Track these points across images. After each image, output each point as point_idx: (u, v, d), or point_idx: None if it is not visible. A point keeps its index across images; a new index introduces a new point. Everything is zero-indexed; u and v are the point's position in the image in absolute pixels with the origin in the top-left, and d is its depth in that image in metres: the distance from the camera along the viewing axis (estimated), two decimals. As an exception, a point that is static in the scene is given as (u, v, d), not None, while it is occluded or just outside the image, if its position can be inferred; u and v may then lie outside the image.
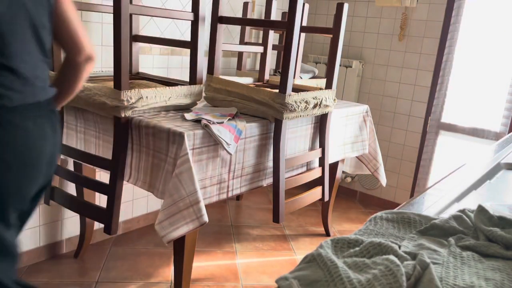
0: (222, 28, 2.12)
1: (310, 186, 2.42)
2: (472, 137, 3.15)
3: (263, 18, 3.33)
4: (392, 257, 0.70)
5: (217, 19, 2.09)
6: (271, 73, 3.16)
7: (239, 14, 3.19)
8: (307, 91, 2.21)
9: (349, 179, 3.75)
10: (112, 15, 1.68)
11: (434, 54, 3.23)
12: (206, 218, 1.69)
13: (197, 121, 1.85)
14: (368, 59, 3.57)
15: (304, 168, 2.40)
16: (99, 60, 2.42)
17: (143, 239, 2.76)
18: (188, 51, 2.89)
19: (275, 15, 2.70)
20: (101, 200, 2.60)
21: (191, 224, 1.68)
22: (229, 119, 1.91)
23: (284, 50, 1.93)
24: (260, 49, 2.58)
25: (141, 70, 2.60)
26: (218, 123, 1.83)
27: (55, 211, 2.40)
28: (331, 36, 2.34)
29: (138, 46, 2.35)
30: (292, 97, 1.98)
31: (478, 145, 3.13)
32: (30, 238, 2.32)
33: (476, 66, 3.10)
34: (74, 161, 2.34)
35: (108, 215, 1.83)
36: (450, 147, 3.26)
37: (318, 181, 2.45)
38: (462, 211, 0.95)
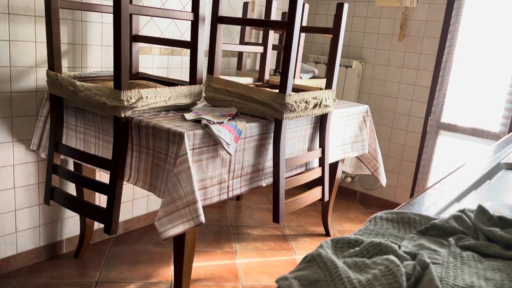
0: (222, 28, 2.13)
1: (310, 186, 2.42)
2: (472, 137, 3.15)
3: (263, 18, 3.33)
4: (392, 257, 0.69)
5: (217, 19, 2.09)
6: (271, 73, 3.16)
7: (239, 14, 3.19)
8: (307, 91, 2.21)
9: (349, 179, 3.75)
10: (112, 15, 1.68)
11: (434, 54, 3.23)
12: (202, 219, 1.69)
13: (197, 121, 1.85)
14: (368, 59, 3.57)
15: (304, 168, 2.40)
16: (99, 60, 2.42)
17: (143, 239, 2.76)
18: (188, 51, 2.91)
19: (275, 15, 2.70)
20: (101, 200, 2.60)
21: (187, 224, 1.68)
22: (229, 119, 1.91)
23: (284, 50, 1.93)
24: (260, 49, 2.58)
25: (141, 70, 2.60)
26: (218, 123, 1.83)
27: (55, 211, 2.40)
28: (331, 36, 2.34)
29: (138, 46, 2.35)
30: (292, 97, 1.98)
31: (478, 145, 3.13)
32: (30, 238, 2.32)
33: (476, 66, 3.10)
34: (74, 161, 2.34)
35: (108, 215, 1.83)
36: (450, 147, 3.26)
37: (318, 181, 2.45)
38: (462, 211, 0.95)
